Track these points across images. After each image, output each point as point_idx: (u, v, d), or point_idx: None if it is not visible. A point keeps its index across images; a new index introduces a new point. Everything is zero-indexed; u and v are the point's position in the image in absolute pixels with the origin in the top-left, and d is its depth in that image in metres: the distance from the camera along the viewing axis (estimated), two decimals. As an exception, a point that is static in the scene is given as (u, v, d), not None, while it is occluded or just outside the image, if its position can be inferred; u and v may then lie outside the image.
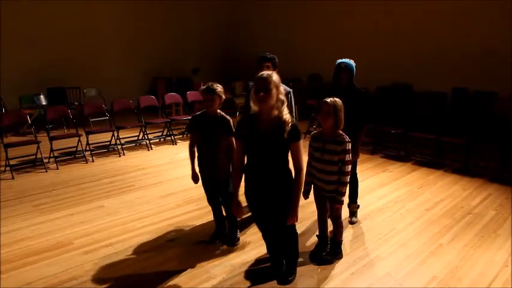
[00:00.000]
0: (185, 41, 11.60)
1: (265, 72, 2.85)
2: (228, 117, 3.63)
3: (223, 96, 3.61)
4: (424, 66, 8.19)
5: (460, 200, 4.98)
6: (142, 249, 3.75)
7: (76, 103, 9.22)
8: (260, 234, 3.29)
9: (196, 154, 3.71)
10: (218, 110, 3.62)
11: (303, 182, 2.90)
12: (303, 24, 10.55)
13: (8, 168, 5.90)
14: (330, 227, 3.66)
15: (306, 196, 3.40)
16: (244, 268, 3.43)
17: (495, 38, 7.23)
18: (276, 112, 2.78)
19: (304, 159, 2.93)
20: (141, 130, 7.68)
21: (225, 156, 3.58)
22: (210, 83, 3.60)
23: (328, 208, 3.52)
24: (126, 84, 10.22)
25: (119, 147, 7.10)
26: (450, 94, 7.81)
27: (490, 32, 7.29)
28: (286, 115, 2.79)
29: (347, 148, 3.15)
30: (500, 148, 6.07)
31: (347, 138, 3.16)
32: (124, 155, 7.00)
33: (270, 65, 4.00)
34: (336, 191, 3.27)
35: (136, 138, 7.76)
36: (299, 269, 3.32)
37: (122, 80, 10.28)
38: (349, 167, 3.20)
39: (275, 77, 2.80)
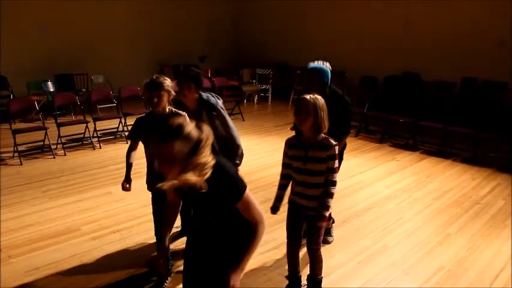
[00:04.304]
0: (192, 28, 11.50)
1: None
2: (182, 113, 2.96)
3: (173, 92, 2.94)
4: (433, 55, 8.07)
5: (468, 190, 4.94)
6: (149, 236, 3.75)
7: (84, 90, 9.21)
8: None
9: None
10: (168, 107, 2.96)
11: (260, 239, 1.96)
12: (312, 11, 10.40)
13: (16, 154, 5.94)
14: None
15: (274, 212, 2.83)
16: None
17: (506, 29, 7.08)
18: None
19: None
20: (148, 117, 7.65)
21: None
22: (155, 76, 2.95)
23: (301, 237, 2.87)
24: (133, 71, 10.15)
25: (126, 133, 7.11)
26: (459, 84, 7.70)
27: (500, 22, 7.13)
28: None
29: (334, 153, 2.58)
30: (509, 139, 5.99)
31: (334, 142, 2.60)
32: (131, 141, 6.98)
33: (192, 85, 3.16)
34: (319, 204, 2.63)
35: (143, 125, 7.74)
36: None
37: (130, 67, 10.24)
38: (336, 176, 2.63)
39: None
